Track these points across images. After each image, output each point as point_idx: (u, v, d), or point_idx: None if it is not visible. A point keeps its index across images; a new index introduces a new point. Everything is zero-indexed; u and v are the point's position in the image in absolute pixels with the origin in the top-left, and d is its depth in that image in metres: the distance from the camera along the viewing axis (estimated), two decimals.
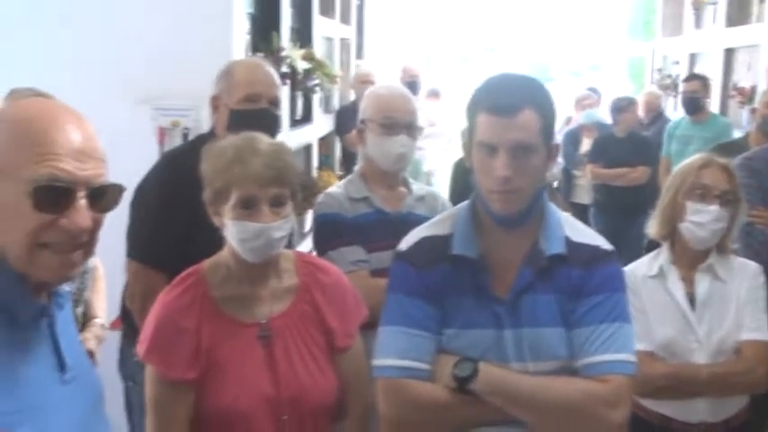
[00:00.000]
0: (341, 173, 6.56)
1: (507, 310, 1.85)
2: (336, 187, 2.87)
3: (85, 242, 1.40)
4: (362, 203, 2.77)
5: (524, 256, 1.87)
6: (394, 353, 1.86)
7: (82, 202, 1.35)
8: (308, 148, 5.69)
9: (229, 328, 1.98)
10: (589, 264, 1.86)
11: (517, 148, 1.76)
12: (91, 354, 2.77)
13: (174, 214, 2.49)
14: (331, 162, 6.57)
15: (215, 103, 2.72)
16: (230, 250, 2.01)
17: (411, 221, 2.75)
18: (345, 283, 2.16)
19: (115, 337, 3.04)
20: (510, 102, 1.77)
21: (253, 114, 2.62)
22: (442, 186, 7.98)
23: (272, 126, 2.65)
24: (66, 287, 1.55)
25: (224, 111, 2.67)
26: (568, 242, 1.89)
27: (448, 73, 15.50)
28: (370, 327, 2.22)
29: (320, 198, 2.84)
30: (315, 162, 5.89)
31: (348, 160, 6.63)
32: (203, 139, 2.75)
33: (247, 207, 1.93)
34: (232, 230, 1.95)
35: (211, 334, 1.96)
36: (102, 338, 3.06)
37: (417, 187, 2.93)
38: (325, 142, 6.43)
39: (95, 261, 3.19)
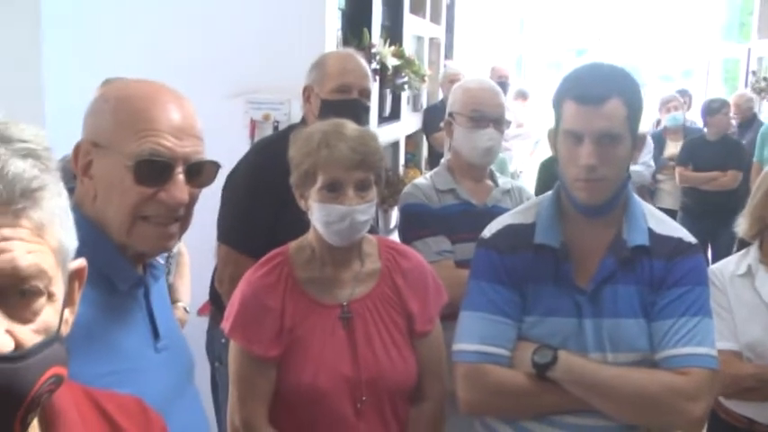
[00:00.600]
0: (427, 171, 6.58)
1: (588, 300, 1.85)
2: (423, 178, 2.90)
3: (182, 216, 1.47)
4: (449, 195, 2.79)
5: (607, 246, 1.87)
6: (475, 338, 1.88)
7: (180, 177, 1.42)
8: (395, 145, 5.74)
9: (312, 309, 2.03)
10: (672, 256, 1.85)
11: (603, 137, 1.76)
12: None
13: (262, 200, 2.57)
14: (417, 160, 6.60)
15: (307, 93, 2.79)
16: (315, 233, 2.06)
17: (496, 214, 2.75)
18: (427, 268, 2.19)
19: (202, 323, 3.14)
20: (597, 91, 1.77)
21: (343, 104, 2.67)
22: (528, 188, 7.93)
23: (361, 116, 2.70)
24: (161, 260, 1.62)
25: (315, 101, 2.73)
26: (651, 234, 1.88)
27: (537, 76, 15.34)
28: (451, 317, 2.26)
29: (407, 188, 2.87)
30: (402, 159, 5.93)
31: (434, 160, 6.64)
32: (294, 128, 2.81)
33: (333, 190, 1.97)
34: (317, 213, 2.00)
35: (294, 313, 2.02)
36: (185, 321, 3.16)
37: (504, 181, 2.93)
38: (412, 140, 6.46)
39: (181, 247, 3.29)
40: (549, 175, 4.92)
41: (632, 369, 1.81)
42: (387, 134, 5.23)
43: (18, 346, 0.83)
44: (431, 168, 6.61)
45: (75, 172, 1.45)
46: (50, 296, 0.88)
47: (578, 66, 1.90)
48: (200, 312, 3.42)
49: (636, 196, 1.95)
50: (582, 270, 1.88)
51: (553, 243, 1.88)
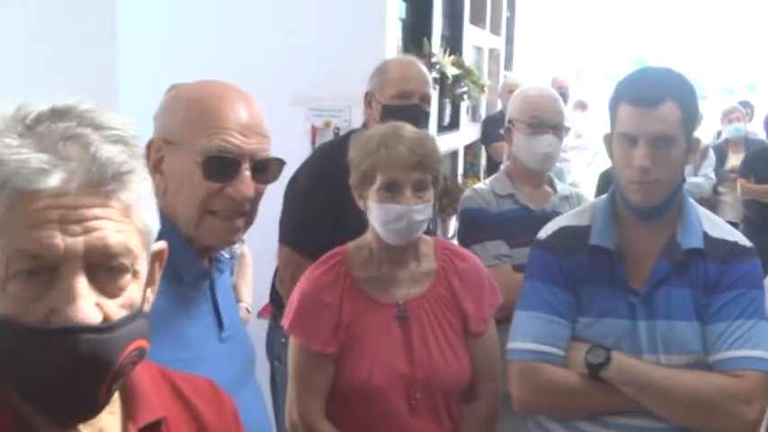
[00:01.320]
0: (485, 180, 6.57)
1: (642, 302, 1.86)
2: (483, 184, 2.93)
3: (247, 210, 1.52)
4: (508, 200, 2.82)
5: (661, 248, 1.88)
6: (530, 337, 1.91)
7: (246, 173, 1.48)
8: (454, 155, 5.77)
9: (369, 307, 2.08)
10: (727, 259, 1.85)
11: (657, 140, 1.78)
12: None
13: (322, 203, 2.63)
14: (476, 170, 6.62)
15: (368, 98, 2.85)
16: (373, 233, 2.10)
17: None
18: (482, 269, 2.22)
19: (263, 324, 3.20)
20: (651, 94, 1.79)
21: (404, 110, 2.72)
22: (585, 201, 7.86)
23: (421, 121, 2.75)
24: (226, 254, 1.68)
25: (376, 106, 2.79)
26: (706, 237, 1.88)
27: (596, 87, 15.19)
28: (506, 321, 2.28)
29: (467, 193, 2.91)
30: (460, 169, 5.96)
31: (493, 170, 6.65)
32: (355, 133, 2.88)
33: (391, 190, 2.02)
34: (375, 213, 2.04)
35: (352, 311, 2.07)
36: (247, 321, 3.23)
37: (562, 187, 2.95)
38: (470, 150, 6.49)
39: (243, 249, 3.36)
40: (608, 186, 4.89)
41: (686, 371, 1.81)
42: (446, 143, 5.26)
43: (106, 318, 0.89)
44: (489, 176, 6.62)
45: (148, 167, 1.52)
46: (135, 274, 0.93)
47: (633, 70, 1.92)
48: (261, 315, 3.49)
49: (691, 199, 1.96)
50: (636, 272, 1.89)
51: (608, 245, 1.90)
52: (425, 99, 2.80)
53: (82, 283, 0.87)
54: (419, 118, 2.74)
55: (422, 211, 2.03)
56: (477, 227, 2.78)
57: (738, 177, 6.44)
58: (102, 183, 0.88)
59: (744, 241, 1.91)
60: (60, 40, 3.84)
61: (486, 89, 6.24)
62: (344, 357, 2.06)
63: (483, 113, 6.90)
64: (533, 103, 2.84)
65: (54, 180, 0.85)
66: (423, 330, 2.08)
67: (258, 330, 3.15)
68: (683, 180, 1.92)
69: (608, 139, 1.91)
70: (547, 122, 2.80)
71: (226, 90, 1.53)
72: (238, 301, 3.29)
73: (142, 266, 0.95)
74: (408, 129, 2.09)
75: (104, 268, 0.89)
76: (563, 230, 1.99)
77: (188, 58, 3.95)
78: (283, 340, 2.45)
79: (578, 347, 1.88)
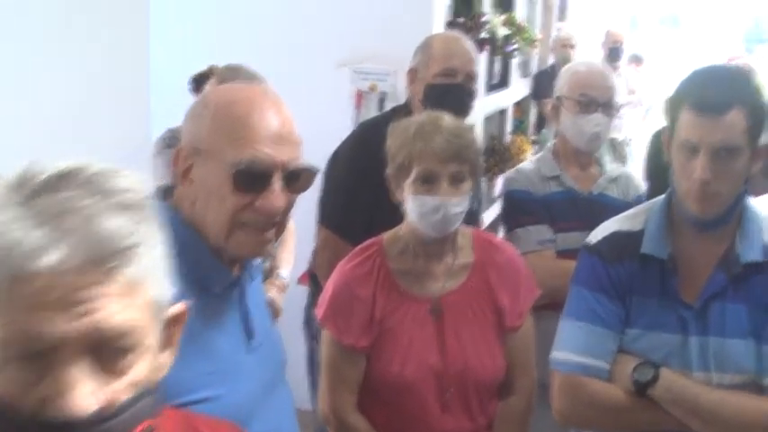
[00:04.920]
0: (534, 137, 6.47)
1: (695, 316, 1.76)
2: (528, 163, 2.83)
3: (278, 221, 1.46)
4: (553, 182, 2.72)
5: (718, 260, 1.77)
6: (574, 348, 1.83)
7: (277, 184, 1.41)
8: (502, 113, 5.62)
9: (403, 301, 2.04)
10: None
11: (720, 150, 1.66)
12: (273, 304, 2.88)
13: (363, 183, 2.54)
14: (525, 127, 6.46)
15: (411, 75, 2.74)
16: (409, 225, 2.04)
17: (602, 203, 2.71)
18: (520, 262, 2.16)
19: (302, 294, 3.16)
20: (716, 100, 1.66)
21: (448, 89, 2.62)
22: (637, 156, 7.70)
23: (465, 101, 2.65)
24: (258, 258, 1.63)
25: (420, 84, 2.68)
26: (766, 249, 1.78)
27: (654, 36, 14.72)
28: (548, 307, 2.22)
29: (510, 174, 2.83)
30: (509, 127, 5.82)
31: (542, 126, 6.52)
32: (397, 111, 2.79)
33: (427, 182, 1.96)
34: (412, 205, 1.98)
35: (385, 304, 2.02)
36: (284, 289, 3.19)
37: (611, 168, 2.83)
38: (520, 107, 6.32)
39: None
40: (661, 148, 4.72)
41: (736, 394, 1.71)
42: (495, 102, 5.14)
43: (109, 403, 0.83)
44: (538, 134, 6.51)
45: (176, 176, 1.46)
46: (142, 349, 0.87)
47: (697, 69, 1.79)
48: (300, 281, 3.46)
49: (754, 207, 1.83)
50: (690, 284, 1.78)
51: (661, 254, 1.80)
52: (471, 77, 2.68)
53: (77, 371, 0.81)
54: (464, 98, 2.64)
55: (459, 203, 1.97)
56: (521, 210, 2.70)
57: None
58: (104, 260, 0.82)
59: None
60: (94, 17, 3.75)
61: (537, 44, 6.04)
62: (377, 351, 2.03)
63: (534, 68, 6.71)
64: (582, 79, 2.71)
65: (52, 258, 0.79)
66: (457, 326, 2.04)
67: (299, 297, 3.12)
68: (745, 190, 1.80)
69: (667, 139, 1.79)
70: (597, 100, 2.67)
71: (256, 95, 1.46)
72: (276, 269, 3.25)
73: (151, 340, 0.89)
74: (447, 119, 2.01)
75: (108, 348, 0.84)
76: (614, 235, 1.88)
77: (228, 19, 3.87)
78: None
79: (625, 361, 1.79)
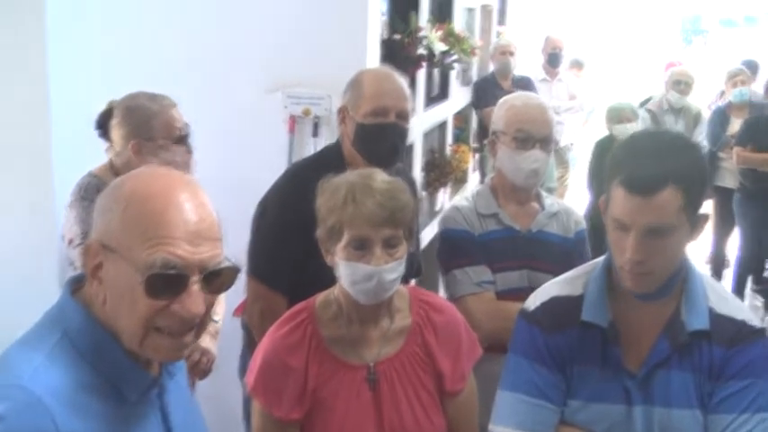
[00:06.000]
0: (475, 145, 6.40)
1: (638, 385, 1.70)
2: (465, 200, 2.73)
3: (197, 324, 1.35)
4: (491, 220, 2.63)
5: (662, 327, 1.70)
6: (513, 422, 1.76)
7: (195, 287, 1.30)
8: (442, 126, 5.54)
9: (337, 370, 1.93)
10: (733, 342, 1.68)
11: (651, 231, 1.59)
12: (206, 353, 2.75)
13: (292, 233, 2.40)
14: (466, 136, 6.39)
15: (342, 114, 2.61)
16: (342, 289, 1.93)
17: (542, 240, 2.63)
18: (460, 322, 2.06)
19: (238, 332, 3.01)
20: (648, 179, 1.58)
21: (379, 129, 2.50)
22: (579, 162, 7.71)
23: (398, 141, 2.54)
24: None
25: (350, 124, 2.55)
26: (712, 314, 1.70)
27: (594, 38, 14.78)
28: (492, 350, 2.15)
29: (448, 212, 2.72)
30: (449, 139, 5.74)
31: (484, 134, 6.45)
32: (329, 152, 2.68)
33: (360, 248, 1.85)
34: (344, 271, 1.87)
35: (318, 374, 1.92)
36: (217, 335, 3.05)
37: (550, 203, 2.75)
38: (461, 115, 6.25)
39: None
40: (604, 156, 4.67)
41: None
42: (434, 115, 5.04)
43: None
44: (479, 143, 6.43)
45: (85, 272, 1.33)
46: None
47: (635, 137, 1.71)
48: (236, 313, 3.33)
49: (697, 269, 1.76)
50: (633, 352, 1.72)
51: (601, 322, 1.72)
52: (403, 115, 2.55)
53: None
54: (396, 139, 2.52)
55: (393, 269, 1.86)
56: (458, 251, 2.60)
57: (735, 146, 6.20)
58: None
59: (753, 321, 1.72)
60: None
61: (477, 51, 5.96)
62: (311, 423, 1.92)
63: (474, 75, 6.64)
64: (519, 114, 2.61)
65: None
66: (394, 393, 1.94)
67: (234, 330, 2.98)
68: (686, 259, 1.72)
69: (603, 202, 1.71)
70: (534, 136, 2.58)
71: (172, 188, 1.32)
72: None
73: None
74: (379, 178, 1.90)
75: None
76: (553, 301, 1.80)
77: (152, 43, 3.69)
78: None
79: None
